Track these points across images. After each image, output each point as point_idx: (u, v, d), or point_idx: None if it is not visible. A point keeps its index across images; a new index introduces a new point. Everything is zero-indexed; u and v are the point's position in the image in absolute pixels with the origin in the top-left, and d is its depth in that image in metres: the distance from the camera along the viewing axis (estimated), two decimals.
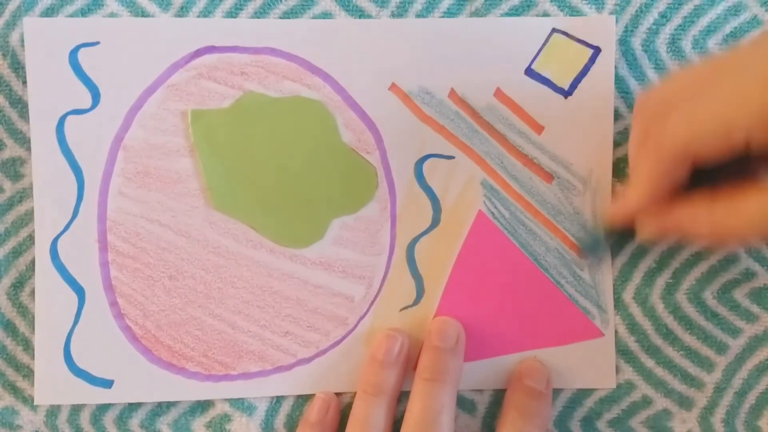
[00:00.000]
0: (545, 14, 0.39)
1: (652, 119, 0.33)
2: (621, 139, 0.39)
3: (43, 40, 0.38)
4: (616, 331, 0.39)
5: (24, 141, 0.39)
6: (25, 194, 0.39)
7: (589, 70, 0.38)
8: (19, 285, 0.39)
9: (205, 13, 0.39)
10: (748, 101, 0.30)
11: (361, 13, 0.39)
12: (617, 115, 0.39)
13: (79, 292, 0.38)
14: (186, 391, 0.38)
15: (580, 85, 0.38)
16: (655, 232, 0.35)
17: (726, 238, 0.33)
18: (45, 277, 0.38)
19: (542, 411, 0.37)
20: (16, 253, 0.39)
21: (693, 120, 0.31)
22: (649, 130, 0.33)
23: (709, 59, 0.35)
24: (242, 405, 0.39)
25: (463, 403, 0.39)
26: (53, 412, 0.39)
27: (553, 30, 0.38)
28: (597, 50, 0.38)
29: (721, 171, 0.33)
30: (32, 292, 0.39)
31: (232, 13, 0.39)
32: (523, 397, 0.37)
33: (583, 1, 0.39)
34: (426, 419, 0.35)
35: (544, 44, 0.38)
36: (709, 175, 0.33)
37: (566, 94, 0.38)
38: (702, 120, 0.31)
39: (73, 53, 0.38)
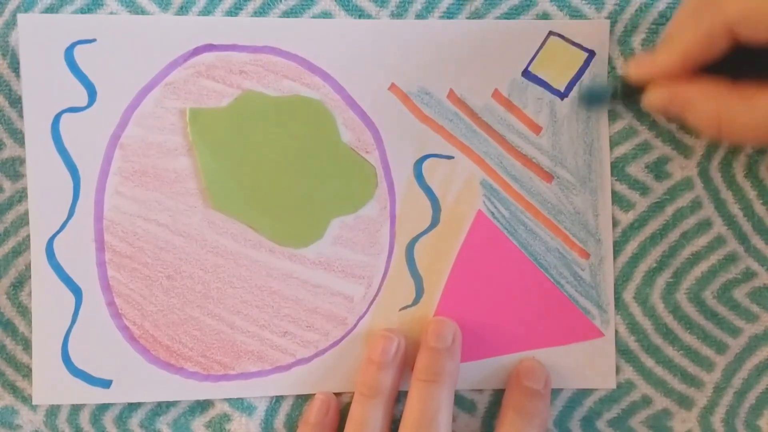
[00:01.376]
0: (545, 14, 0.38)
1: None
2: (619, 138, 0.39)
3: (38, 37, 0.37)
4: (616, 331, 0.39)
5: (23, 141, 0.39)
6: (24, 194, 0.39)
7: (584, 72, 0.38)
8: (18, 285, 0.39)
9: (205, 12, 0.38)
10: None
11: (360, 13, 0.39)
12: (615, 116, 0.39)
13: (76, 291, 0.38)
14: (184, 390, 0.38)
15: (575, 87, 0.38)
16: (662, 101, 0.35)
17: (729, 130, 0.33)
18: (41, 277, 0.38)
19: (541, 411, 0.37)
20: (16, 252, 0.39)
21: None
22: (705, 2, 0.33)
23: None
24: (242, 405, 0.39)
25: (463, 403, 0.39)
26: (53, 411, 0.39)
27: (550, 33, 0.38)
28: (591, 53, 0.38)
29: (752, 69, 0.33)
30: (32, 292, 0.39)
31: (232, 12, 0.39)
32: (522, 397, 0.37)
33: (583, 1, 0.39)
34: (423, 420, 0.35)
35: (540, 47, 0.38)
36: (739, 70, 0.33)
37: (562, 95, 0.38)
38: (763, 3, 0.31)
39: (69, 50, 0.38)
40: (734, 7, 0.32)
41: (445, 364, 0.36)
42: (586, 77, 0.38)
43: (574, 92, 0.38)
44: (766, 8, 0.31)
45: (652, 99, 0.35)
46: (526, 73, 0.38)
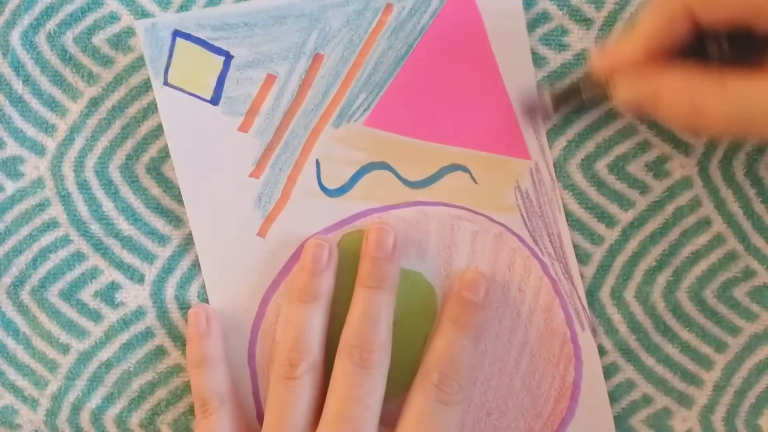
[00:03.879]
0: (545, 13, 0.38)
1: None
2: (618, 137, 0.38)
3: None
4: (617, 330, 0.38)
5: (24, 140, 0.39)
6: (25, 193, 0.39)
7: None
8: (19, 284, 0.39)
9: None
10: None
11: None
12: (616, 113, 0.38)
13: None
14: None
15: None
16: (632, 92, 0.34)
17: (704, 119, 0.32)
18: None
19: (476, 322, 0.37)
20: (17, 251, 0.39)
21: None
22: None
23: None
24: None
25: None
26: (53, 411, 0.39)
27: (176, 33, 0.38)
28: (229, 56, 0.39)
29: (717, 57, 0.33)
30: (32, 290, 0.39)
31: None
32: (459, 308, 0.37)
33: (583, 1, 0.39)
34: (367, 319, 0.36)
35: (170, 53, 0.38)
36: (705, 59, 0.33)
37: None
38: None
39: None
40: None
41: (386, 271, 0.37)
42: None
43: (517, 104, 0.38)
44: None
45: (621, 92, 0.35)
46: None
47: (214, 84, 0.38)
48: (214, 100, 0.38)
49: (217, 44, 0.38)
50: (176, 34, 0.38)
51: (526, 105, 0.38)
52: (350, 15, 0.38)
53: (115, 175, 0.39)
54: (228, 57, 0.38)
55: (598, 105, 0.38)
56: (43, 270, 0.39)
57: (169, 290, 0.39)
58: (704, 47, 0.33)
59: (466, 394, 0.37)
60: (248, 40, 0.38)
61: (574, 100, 0.37)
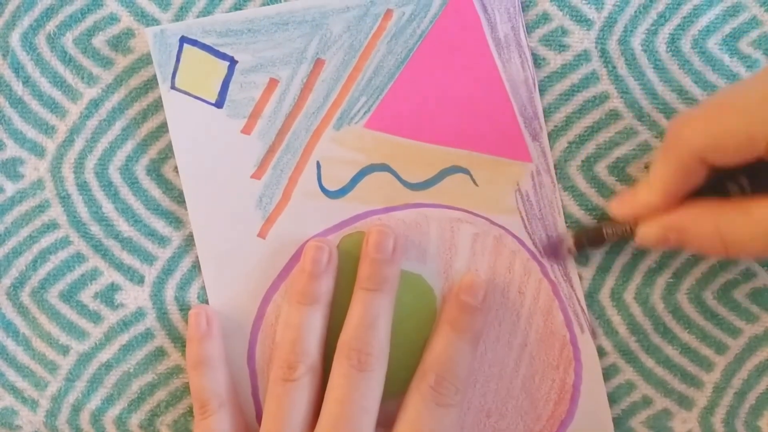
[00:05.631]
0: (545, 14, 0.38)
1: (677, 124, 0.33)
2: (619, 139, 0.38)
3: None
4: (617, 332, 0.38)
5: (24, 141, 0.39)
6: (24, 194, 0.39)
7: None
8: (19, 285, 0.39)
9: (205, 13, 0.39)
10: None
11: None
12: (617, 115, 0.38)
13: None
14: None
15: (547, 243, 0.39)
16: (656, 235, 0.35)
17: (734, 245, 0.33)
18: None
19: (474, 326, 0.37)
20: (16, 252, 0.39)
21: (714, 127, 0.31)
22: (671, 136, 0.33)
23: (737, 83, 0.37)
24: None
25: None
26: (53, 412, 0.39)
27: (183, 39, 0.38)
28: (233, 61, 0.39)
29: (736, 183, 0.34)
30: (32, 292, 0.39)
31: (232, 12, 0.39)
32: (457, 312, 0.37)
33: (583, 1, 0.39)
34: (364, 323, 0.36)
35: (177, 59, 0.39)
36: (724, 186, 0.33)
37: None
38: (723, 127, 0.31)
39: None
40: (698, 138, 0.32)
41: (385, 273, 0.37)
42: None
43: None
44: (727, 133, 0.31)
45: (646, 232, 0.35)
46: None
47: (218, 88, 0.38)
48: (219, 104, 0.38)
49: (222, 50, 0.38)
50: (183, 40, 0.38)
51: (548, 244, 0.38)
52: (351, 21, 0.38)
53: (115, 176, 0.39)
54: (232, 62, 0.38)
55: (622, 243, 0.38)
56: (43, 271, 0.39)
57: (169, 291, 0.39)
58: (724, 184, 0.34)
59: (463, 397, 0.37)
60: (252, 45, 0.38)
61: (597, 241, 0.38)
